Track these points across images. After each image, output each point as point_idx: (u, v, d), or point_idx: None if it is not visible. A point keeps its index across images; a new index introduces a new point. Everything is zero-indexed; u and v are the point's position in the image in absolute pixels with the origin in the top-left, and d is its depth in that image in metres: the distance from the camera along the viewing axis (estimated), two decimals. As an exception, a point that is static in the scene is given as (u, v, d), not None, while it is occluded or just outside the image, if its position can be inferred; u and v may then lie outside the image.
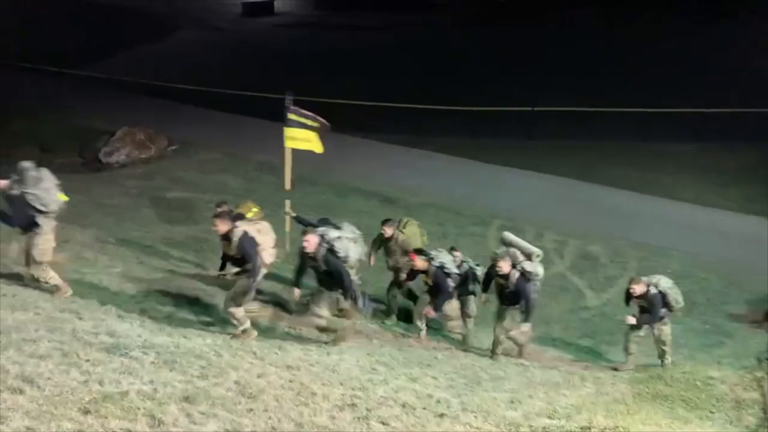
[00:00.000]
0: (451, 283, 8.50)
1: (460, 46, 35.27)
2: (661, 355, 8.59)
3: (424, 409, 5.78)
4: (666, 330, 8.60)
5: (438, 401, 6.00)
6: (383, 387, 6.08)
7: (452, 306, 8.63)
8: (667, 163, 19.53)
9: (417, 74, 29.33)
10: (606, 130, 21.02)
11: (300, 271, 7.78)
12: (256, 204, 10.30)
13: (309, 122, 11.97)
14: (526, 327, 8.22)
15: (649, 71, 27.89)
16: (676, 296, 8.60)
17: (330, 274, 7.35)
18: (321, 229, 7.74)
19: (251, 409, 4.96)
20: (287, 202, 11.36)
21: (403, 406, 5.73)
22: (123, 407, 4.49)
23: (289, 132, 11.98)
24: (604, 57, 31.04)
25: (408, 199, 16.76)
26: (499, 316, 8.52)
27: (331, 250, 7.36)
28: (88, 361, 5.06)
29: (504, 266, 8.15)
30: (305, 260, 7.56)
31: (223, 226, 7.13)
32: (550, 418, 6.06)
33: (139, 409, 4.52)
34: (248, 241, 6.97)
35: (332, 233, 7.60)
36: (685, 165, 19.44)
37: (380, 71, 30.60)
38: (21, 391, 4.37)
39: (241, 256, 7.01)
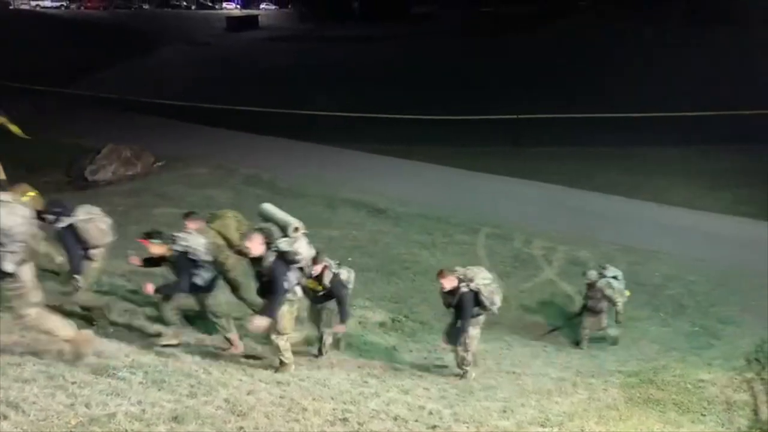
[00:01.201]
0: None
1: (447, 57, 35.51)
2: (460, 362, 7.46)
3: (416, 421, 5.75)
4: (474, 333, 7.40)
5: (430, 413, 5.97)
6: (375, 400, 6.04)
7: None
8: (655, 167, 19.68)
9: (404, 85, 29.48)
10: (593, 135, 21.21)
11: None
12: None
13: None
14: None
15: (636, 77, 28.20)
16: (490, 295, 7.26)
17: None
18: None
19: (241, 428, 4.91)
20: None
21: (395, 419, 5.69)
22: (110, 430, 4.43)
23: None
24: (590, 64, 31.36)
25: (396, 209, 16.77)
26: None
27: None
28: (74, 383, 4.99)
29: (253, 246, 6.40)
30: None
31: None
32: (542, 426, 6.05)
33: (126, 431, 4.47)
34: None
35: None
36: (673, 169, 19.60)
37: (367, 82, 30.75)
38: (5, 417, 4.30)
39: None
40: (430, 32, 44.53)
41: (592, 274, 10.15)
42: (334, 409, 5.59)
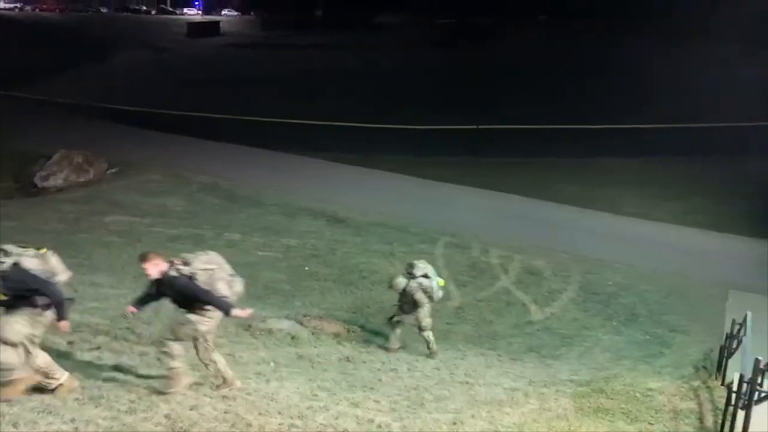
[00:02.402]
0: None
1: (408, 67, 35.68)
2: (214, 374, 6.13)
3: (365, 435, 5.66)
4: (203, 329, 5.91)
5: (379, 426, 5.88)
6: (323, 414, 5.93)
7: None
8: (609, 178, 20.06)
9: (365, 94, 29.47)
10: (550, 147, 21.52)
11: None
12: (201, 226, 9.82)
13: None
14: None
15: (591, 90, 28.73)
16: (212, 282, 5.91)
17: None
18: None
19: (181, 445, 4.75)
20: None
21: (343, 433, 5.59)
22: (39, 450, 4.23)
23: None
24: (547, 77, 31.88)
25: (356, 218, 16.69)
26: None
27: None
28: (2, 401, 4.76)
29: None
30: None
31: None
32: (492, 438, 6.02)
33: (56, 451, 4.27)
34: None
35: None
36: (626, 180, 19.99)
37: (328, 91, 30.66)
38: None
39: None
40: (392, 42, 44.74)
41: (400, 282, 8.99)
42: (280, 424, 5.45)
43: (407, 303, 9.10)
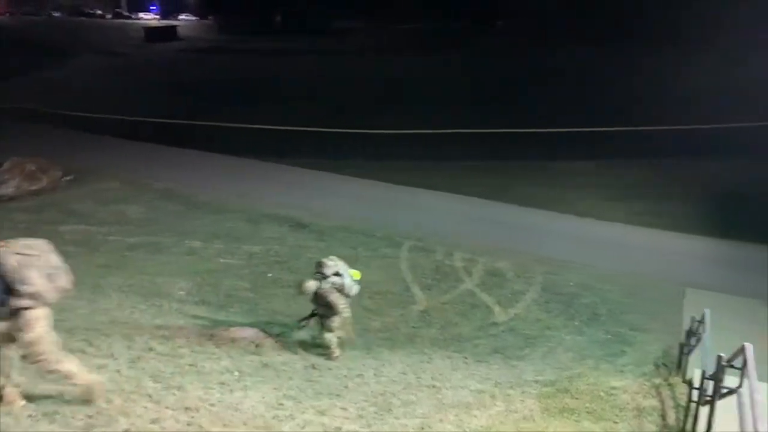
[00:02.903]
0: None
1: (368, 72, 35.70)
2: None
3: (332, 442, 5.58)
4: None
5: (347, 433, 5.82)
6: (289, 423, 5.82)
7: None
8: (567, 180, 20.42)
9: (325, 99, 29.38)
10: (509, 150, 21.79)
11: None
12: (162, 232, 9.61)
13: None
14: None
15: (548, 94, 29.22)
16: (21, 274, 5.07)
17: None
18: None
19: (143, 460, 4.60)
20: None
21: (310, 441, 5.50)
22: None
23: None
24: (506, 82, 32.30)
25: (320, 223, 16.60)
26: None
27: None
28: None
29: None
30: None
31: None
32: (460, 441, 6.01)
33: (9, 471, 4.08)
34: None
35: None
36: (583, 182, 20.39)
37: (288, 96, 30.46)
38: None
39: None
40: (351, 47, 44.76)
41: (310, 286, 8.31)
42: (245, 435, 5.34)
43: (323, 306, 8.34)
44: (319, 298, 8.31)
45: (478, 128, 22.37)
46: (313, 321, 8.63)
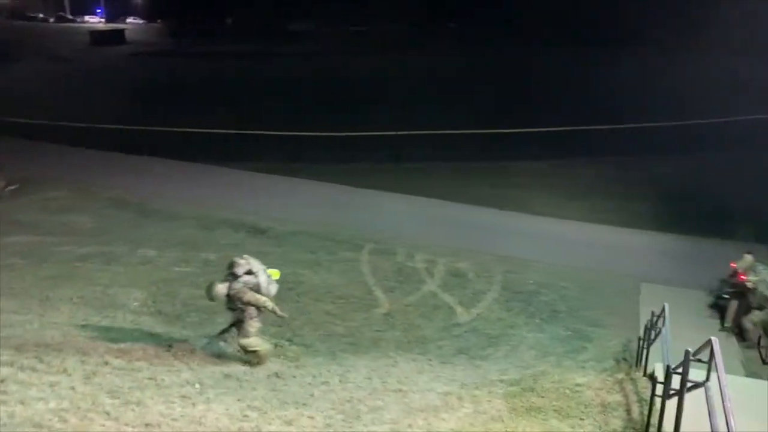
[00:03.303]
0: None
1: (323, 74, 35.49)
2: None
3: (301, 453, 5.43)
4: None
5: (315, 443, 5.68)
6: (255, 435, 5.66)
7: None
8: (521, 180, 20.70)
9: (280, 102, 29.04)
10: (465, 151, 21.93)
11: None
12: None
13: None
14: None
15: (502, 95, 29.60)
16: None
17: None
18: None
19: (102, 482, 4.37)
20: None
21: (278, 453, 5.34)
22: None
23: None
24: (464, 83, 32.59)
25: (278, 228, 16.38)
26: None
27: None
28: None
29: None
30: None
31: None
32: (431, 446, 5.94)
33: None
34: None
35: None
36: (536, 181, 20.70)
37: (242, 100, 30.01)
38: None
39: None
40: (305, 50, 44.46)
41: (220, 289, 7.72)
42: (210, 450, 5.14)
43: (238, 309, 7.77)
44: (233, 301, 7.72)
45: (435, 130, 22.44)
46: (233, 330, 8.01)
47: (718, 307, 12.42)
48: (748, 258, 11.87)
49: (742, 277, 11.58)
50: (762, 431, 5.90)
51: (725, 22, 32.98)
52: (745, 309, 11.51)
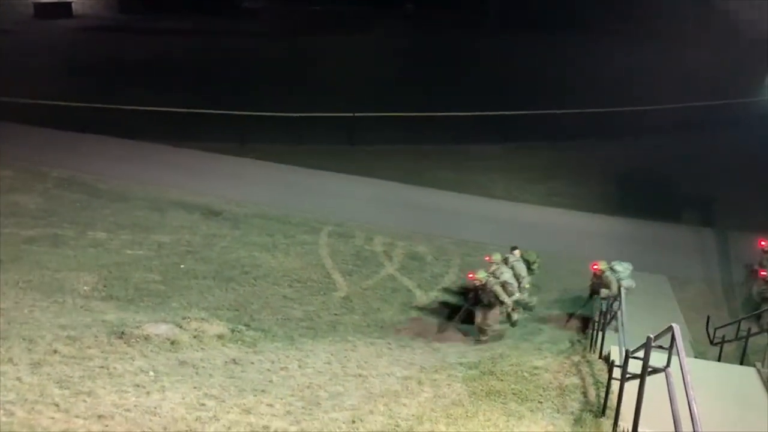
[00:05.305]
0: None
1: (274, 54, 34.78)
2: None
3: (261, 442, 5.33)
4: None
5: None
6: (214, 425, 5.52)
7: None
8: (477, 164, 20.77)
9: (231, 81, 28.33)
10: (422, 134, 21.84)
11: None
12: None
13: None
14: None
15: (459, 79, 29.60)
16: None
17: None
18: None
19: (51, 477, 4.19)
20: None
21: (235, 442, 5.22)
22: None
23: None
24: (420, 65, 32.44)
25: (233, 210, 16.08)
26: None
27: None
28: None
29: None
30: None
31: None
32: (392, 432, 5.91)
33: None
34: None
35: None
36: (493, 165, 20.79)
37: (192, 77, 29.18)
38: None
39: None
40: (260, 28, 43.49)
41: None
42: (166, 441, 4.99)
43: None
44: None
45: (391, 111, 22.25)
46: None
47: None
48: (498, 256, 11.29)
49: (470, 276, 10.91)
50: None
51: (678, 14, 34.20)
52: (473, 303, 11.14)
